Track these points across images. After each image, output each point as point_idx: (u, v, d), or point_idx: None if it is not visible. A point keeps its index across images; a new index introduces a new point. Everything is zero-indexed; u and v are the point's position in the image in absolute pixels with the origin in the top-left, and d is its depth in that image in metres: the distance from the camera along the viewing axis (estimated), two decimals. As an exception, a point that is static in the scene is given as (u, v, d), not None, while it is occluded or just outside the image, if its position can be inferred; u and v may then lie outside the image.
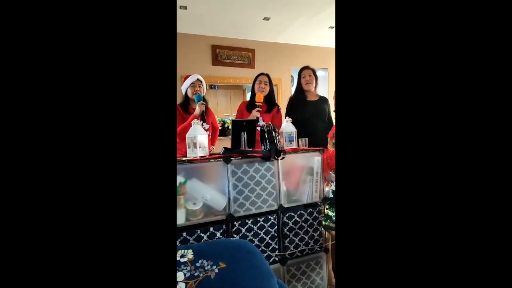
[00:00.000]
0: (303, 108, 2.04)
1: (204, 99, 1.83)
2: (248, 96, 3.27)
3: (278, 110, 1.99)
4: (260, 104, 1.78)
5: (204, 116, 1.76)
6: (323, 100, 2.13)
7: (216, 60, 3.56)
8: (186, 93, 1.88)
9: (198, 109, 1.73)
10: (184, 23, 3.11)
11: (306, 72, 2.08)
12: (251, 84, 1.99)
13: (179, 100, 1.95)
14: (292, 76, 3.93)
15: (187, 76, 1.90)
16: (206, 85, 1.94)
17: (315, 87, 2.11)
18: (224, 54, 3.60)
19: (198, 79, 1.85)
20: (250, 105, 1.89)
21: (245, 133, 1.39)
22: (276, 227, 1.33)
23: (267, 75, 1.94)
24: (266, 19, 3.15)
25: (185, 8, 2.77)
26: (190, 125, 1.64)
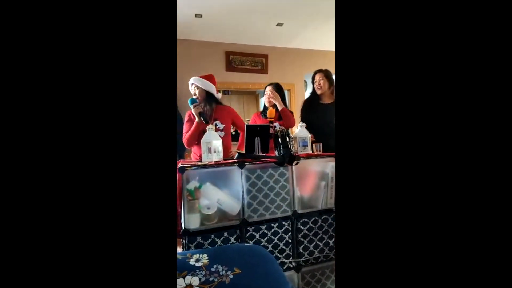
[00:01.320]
0: (315, 111, 2.03)
1: (212, 98, 1.77)
2: (261, 101, 3.39)
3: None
4: (273, 119, 1.85)
5: (205, 117, 1.65)
6: None
7: (230, 66, 3.60)
8: None
9: (194, 115, 1.66)
10: (200, 31, 3.18)
11: (318, 76, 2.07)
12: (263, 90, 2.07)
13: None
14: (305, 81, 3.92)
15: None
16: (220, 91, 1.94)
17: (332, 89, 2.07)
18: (238, 60, 3.64)
19: (192, 83, 1.79)
20: (263, 113, 2.01)
21: (258, 138, 1.40)
22: (290, 233, 1.31)
23: (276, 85, 2.01)
24: (279, 25, 3.17)
25: (201, 16, 2.84)
26: (196, 130, 1.64)
